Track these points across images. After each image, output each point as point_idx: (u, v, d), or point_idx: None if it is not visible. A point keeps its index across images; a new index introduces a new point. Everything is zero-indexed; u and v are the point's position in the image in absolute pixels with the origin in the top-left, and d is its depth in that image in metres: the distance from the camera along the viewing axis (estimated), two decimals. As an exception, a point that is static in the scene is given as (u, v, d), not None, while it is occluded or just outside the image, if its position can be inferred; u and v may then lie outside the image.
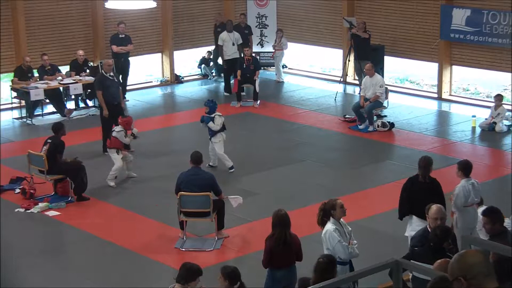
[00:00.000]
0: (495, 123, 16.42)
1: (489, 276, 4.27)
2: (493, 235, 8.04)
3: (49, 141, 12.90)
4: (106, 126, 14.87)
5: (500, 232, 8.04)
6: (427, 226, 8.59)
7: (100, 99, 14.97)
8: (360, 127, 16.74)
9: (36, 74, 18.12)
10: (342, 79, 19.98)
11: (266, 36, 21.93)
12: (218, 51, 20.36)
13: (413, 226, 9.76)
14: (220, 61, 20.82)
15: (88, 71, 18.60)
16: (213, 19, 21.30)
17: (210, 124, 13.82)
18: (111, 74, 15.22)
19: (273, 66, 21.47)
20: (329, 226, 8.61)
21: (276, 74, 21.23)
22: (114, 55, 19.07)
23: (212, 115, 13.91)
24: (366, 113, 16.62)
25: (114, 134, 13.60)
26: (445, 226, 8.41)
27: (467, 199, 10.04)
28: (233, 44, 19.75)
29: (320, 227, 8.74)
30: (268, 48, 21.64)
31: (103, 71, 15.40)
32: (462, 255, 4.35)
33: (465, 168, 10.21)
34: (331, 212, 8.65)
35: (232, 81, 19.54)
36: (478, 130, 16.54)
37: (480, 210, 9.44)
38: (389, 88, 18.04)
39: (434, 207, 8.54)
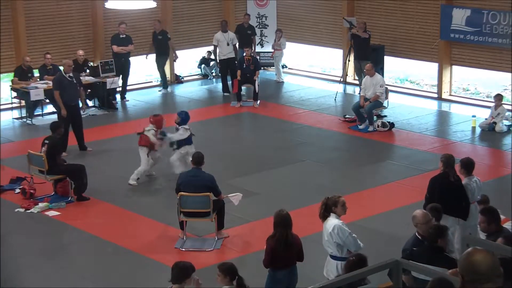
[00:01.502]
0: (495, 123, 16.42)
1: (492, 281, 4.22)
2: (489, 234, 8.06)
3: (46, 142, 12.90)
4: (64, 127, 14.74)
5: (495, 231, 8.05)
6: (415, 234, 8.52)
7: (57, 98, 14.96)
8: (360, 127, 16.74)
9: (36, 74, 18.13)
10: (342, 79, 19.98)
11: (266, 36, 21.94)
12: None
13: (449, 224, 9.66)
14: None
15: (88, 71, 18.61)
16: (215, 20, 21.33)
17: (170, 135, 13.59)
18: (71, 74, 15.13)
19: (273, 66, 21.47)
20: (335, 221, 8.64)
21: (276, 74, 21.24)
22: (115, 55, 19.09)
23: (180, 127, 13.67)
24: (366, 113, 16.62)
25: (145, 132, 13.57)
26: (438, 224, 8.40)
27: (471, 196, 10.10)
28: (228, 44, 19.76)
29: (321, 220, 8.75)
30: (268, 48, 21.65)
31: (62, 71, 15.33)
32: (470, 254, 4.29)
33: (468, 166, 10.27)
34: (332, 209, 8.68)
35: (230, 82, 19.56)
36: (478, 130, 16.54)
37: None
38: (389, 88, 18.04)
39: (419, 213, 8.48)
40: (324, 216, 8.74)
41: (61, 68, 18.68)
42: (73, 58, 18.61)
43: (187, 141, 13.58)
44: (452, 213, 9.77)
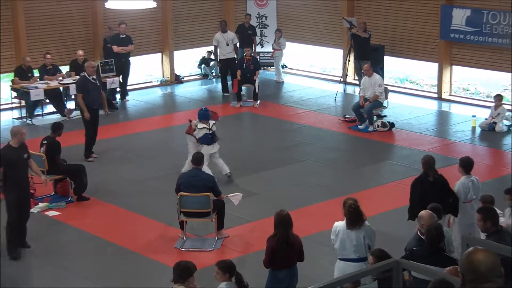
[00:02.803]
0: (495, 123, 16.42)
1: (493, 281, 4.21)
2: (488, 234, 8.04)
3: (45, 142, 12.88)
4: (89, 130, 14.74)
5: (494, 231, 8.03)
6: (417, 232, 8.55)
7: (81, 102, 14.62)
8: (360, 127, 16.74)
9: (36, 74, 18.13)
10: (342, 79, 19.98)
11: (266, 36, 21.94)
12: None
13: None
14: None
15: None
16: (215, 20, 21.34)
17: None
18: (94, 77, 14.77)
19: (273, 66, 21.47)
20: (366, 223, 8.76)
21: (276, 74, 21.23)
22: (115, 55, 19.07)
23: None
24: (366, 113, 16.62)
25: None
26: (438, 224, 8.41)
27: (466, 195, 10.16)
28: (227, 44, 19.75)
29: (354, 226, 8.65)
30: (268, 48, 21.65)
31: (85, 73, 14.87)
32: (471, 253, 4.29)
33: (467, 165, 10.31)
34: (362, 219, 8.69)
35: (230, 82, 19.57)
36: (478, 130, 16.54)
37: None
38: (389, 88, 18.06)
39: (426, 214, 8.51)
40: (361, 222, 8.66)
41: (62, 67, 18.74)
42: (73, 58, 18.67)
43: (203, 140, 13.33)
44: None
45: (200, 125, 13.34)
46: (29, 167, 11.13)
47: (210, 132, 13.28)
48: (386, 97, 17.17)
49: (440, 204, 9.35)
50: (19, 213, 10.81)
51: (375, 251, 7.76)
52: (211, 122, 13.44)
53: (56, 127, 13.07)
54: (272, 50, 21.15)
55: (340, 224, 8.73)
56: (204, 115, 13.37)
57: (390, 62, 19.99)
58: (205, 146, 13.23)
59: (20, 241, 10.98)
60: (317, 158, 14.91)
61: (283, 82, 21.00)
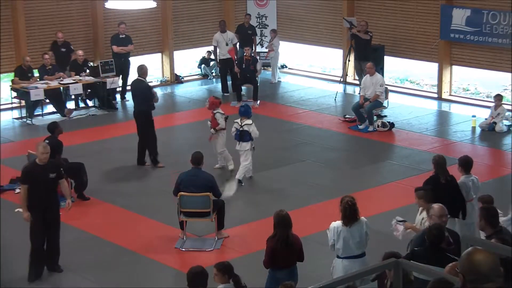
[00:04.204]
0: (495, 123, 16.43)
1: (493, 281, 4.21)
2: (488, 234, 8.03)
3: (47, 141, 12.84)
4: (142, 135, 14.37)
5: (493, 232, 8.02)
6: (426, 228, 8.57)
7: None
8: (360, 127, 16.74)
9: (36, 74, 18.13)
10: (342, 79, 19.98)
11: (266, 36, 21.93)
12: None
13: None
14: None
15: (88, 71, 18.61)
16: (215, 20, 21.34)
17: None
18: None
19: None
20: (363, 219, 8.82)
21: (271, 75, 21.17)
22: (114, 55, 19.09)
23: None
24: (366, 113, 16.63)
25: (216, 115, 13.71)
26: (440, 224, 8.40)
27: (466, 195, 10.16)
28: (227, 44, 19.74)
29: (349, 223, 8.67)
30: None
31: (140, 78, 14.36)
32: (471, 254, 4.29)
33: (466, 164, 10.32)
34: (357, 216, 8.71)
35: (229, 82, 19.57)
36: (478, 130, 16.55)
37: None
38: (389, 88, 18.06)
39: (436, 206, 8.52)
40: (356, 219, 8.69)
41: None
42: (73, 58, 18.66)
43: (235, 135, 13.56)
44: (448, 213, 9.77)
45: (237, 120, 13.55)
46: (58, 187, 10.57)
47: (240, 129, 13.39)
48: (386, 97, 17.18)
49: (452, 205, 9.35)
50: (40, 237, 10.30)
51: (388, 256, 7.70)
52: (245, 121, 13.40)
53: (52, 128, 13.01)
54: (267, 51, 21.16)
55: (338, 224, 8.75)
56: (245, 112, 13.52)
57: (390, 62, 19.99)
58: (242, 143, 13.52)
59: (51, 265, 10.48)
60: (317, 158, 14.91)
61: (275, 83, 20.88)
